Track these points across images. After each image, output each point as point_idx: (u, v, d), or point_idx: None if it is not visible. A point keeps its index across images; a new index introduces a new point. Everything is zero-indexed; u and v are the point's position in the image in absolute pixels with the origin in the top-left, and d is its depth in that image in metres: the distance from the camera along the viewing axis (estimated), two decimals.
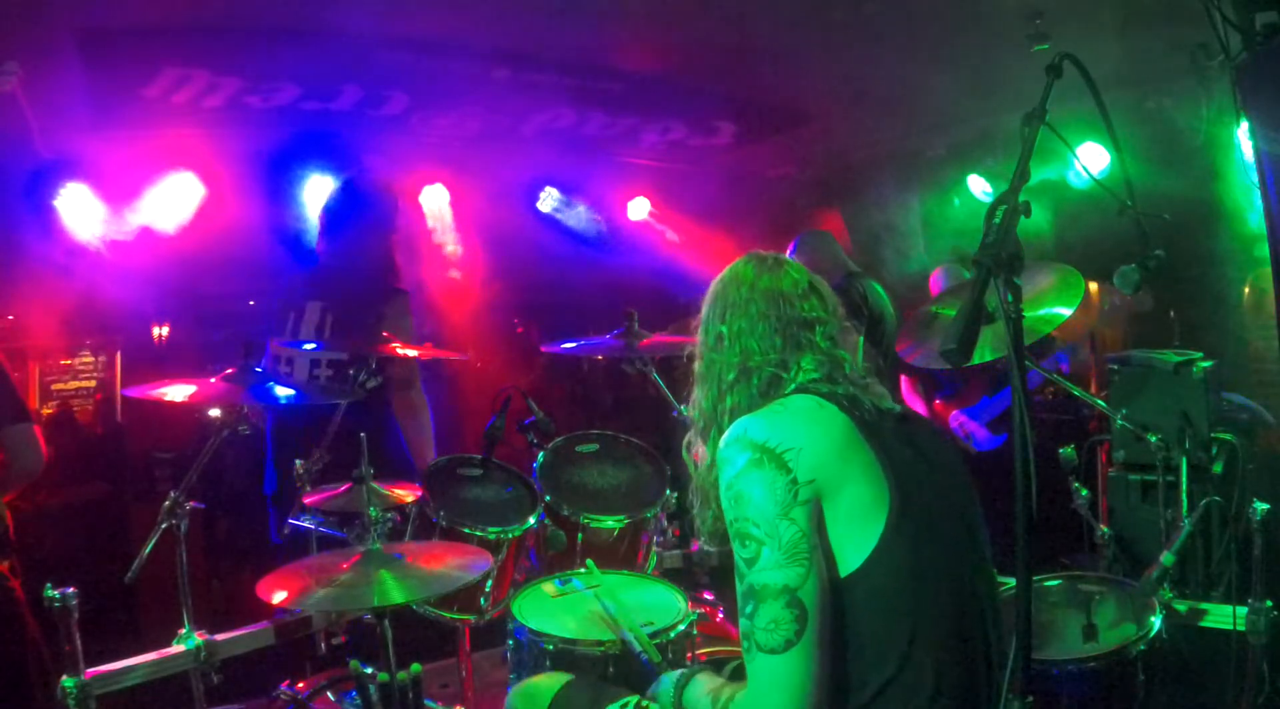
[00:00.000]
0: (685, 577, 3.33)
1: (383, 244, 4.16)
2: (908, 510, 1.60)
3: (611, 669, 2.41)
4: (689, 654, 2.57)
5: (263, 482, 4.01)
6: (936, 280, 5.51)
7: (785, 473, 1.58)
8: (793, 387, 1.77)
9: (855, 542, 1.60)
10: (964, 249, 5.83)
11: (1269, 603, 2.50)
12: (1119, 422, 3.14)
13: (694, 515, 1.91)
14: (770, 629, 1.54)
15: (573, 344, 3.63)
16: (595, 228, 6.74)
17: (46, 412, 5.89)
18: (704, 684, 1.86)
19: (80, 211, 4.89)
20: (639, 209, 6.94)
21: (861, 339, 4.78)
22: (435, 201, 6.25)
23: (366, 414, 3.47)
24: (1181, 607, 2.61)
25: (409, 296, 4.08)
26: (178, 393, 2.64)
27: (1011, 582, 1.92)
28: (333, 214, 4.12)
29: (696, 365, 1.92)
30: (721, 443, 1.70)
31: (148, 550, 2.52)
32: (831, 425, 1.65)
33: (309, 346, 3.84)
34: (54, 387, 6.15)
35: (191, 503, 2.57)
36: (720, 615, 3.11)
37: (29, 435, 3.04)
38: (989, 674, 1.68)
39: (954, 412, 5.07)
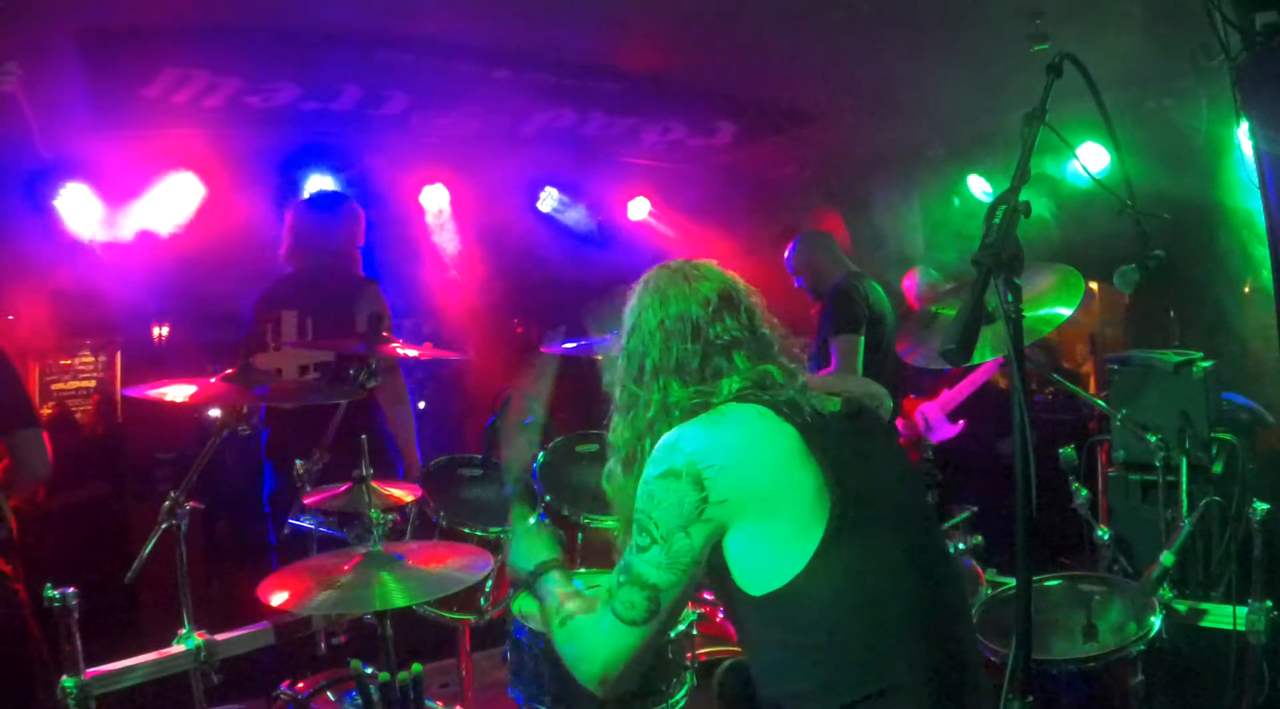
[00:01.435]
0: None
1: (350, 250, 4.23)
2: (851, 517, 1.62)
3: None
4: (689, 654, 2.57)
5: (261, 485, 4.03)
6: (910, 282, 5.58)
7: (698, 491, 1.63)
8: (725, 393, 1.77)
9: (793, 550, 1.61)
10: (966, 250, 5.85)
11: (1269, 603, 2.51)
12: (1119, 422, 3.14)
13: (619, 542, 1.93)
14: (627, 607, 1.69)
15: (573, 344, 3.63)
16: (589, 224, 6.72)
17: (46, 411, 5.88)
18: (556, 588, 1.94)
19: (80, 211, 4.88)
20: (639, 209, 6.93)
21: (862, 339, 4.77)
22: (435, 201, 6.24)
23: (358, 410, 3.49)
24: (1181, 607, 2.61)
25: (377, 284, 4.13)
26: (178, 393, 2.64)
27: (1011, 582, 1.92)
28: (301, 225, 4.18)
29: (616, 391, 1.90)
30: (658, 444, 1.72)
31: (148, 550, 2.52)
32: (768, 439, 1.66)
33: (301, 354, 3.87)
34: (54, 387, 6.15)
35: (191, 503, 2.57)
36: (720, 615, 3.11)
37: (37, 441, 3.02)
38: (963, 670, 1.67)
39: (919, 405, 5.23)
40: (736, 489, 1.63)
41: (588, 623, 1.79)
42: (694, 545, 1.65)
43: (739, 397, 1.76)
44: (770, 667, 1.73)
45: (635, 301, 1.91)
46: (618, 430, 1.89)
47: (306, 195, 4.63)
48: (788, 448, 1.65)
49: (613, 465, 1.91)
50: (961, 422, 5.17)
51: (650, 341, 1.83)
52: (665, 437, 1.73)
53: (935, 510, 1.87)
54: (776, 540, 1.63)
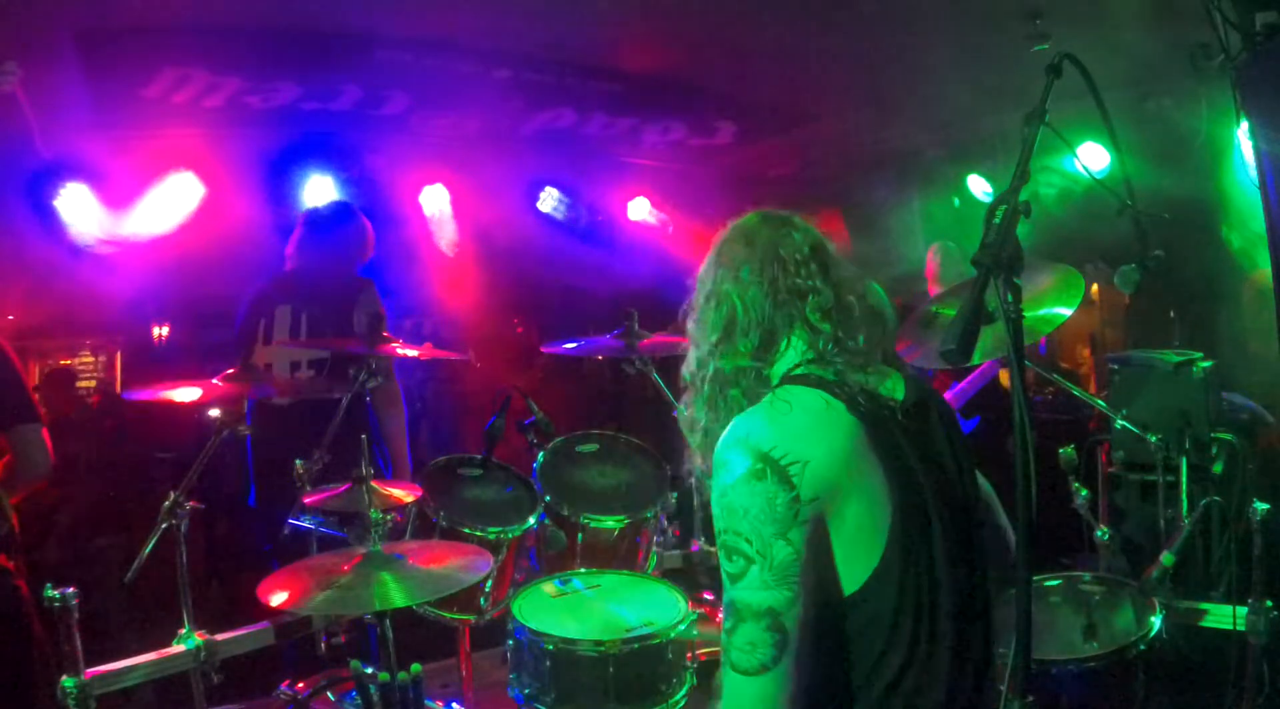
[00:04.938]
0: (685, 577, 3.33)
1: (353, 259, 4.26)
2: (909, 526, 1.53)
3: (611, 669, 2.42)
4: (689, 654, 2.57)
5: (247, 496, 4.01)
6: (930, 257, 5.52)
7: (788, 489, 1.46)
8: (785, 365, 1.69)
9: (859, 559, 1.52)
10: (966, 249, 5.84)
11: (1269, 603, 2.50)
12: (1119, 422, 3.14)
13: (697, 479, 1.84)
14: (747, 650, 1.46)
15: (573, 344, 3.63)
16: (575, 216, 6.70)
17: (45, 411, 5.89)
18: None
19: (80, 212, 4.88)
20: (639, 209, 6.93)
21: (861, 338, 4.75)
22: (435, 202, 6.25)
23: (351, 413, 3.48)
24: (1181, 607, 2.61)
25: (374, 284, 4.12)
26: (182, 395, 2.65)
27: None
28: (315, 227, 4.20)
29: (689, 324, 1.82)
30: (720, 443, 1.57)
31: (148, 550, 2.52)
32: (839, 431, 1.53)
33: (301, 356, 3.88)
34: None
35: (191, 503, 2.57)
36: (720, 616, 3.11)
37: (37, 436, 3.01)
38: (981, 679, 1.64)
39: None
40: (822, 486, 1.47)
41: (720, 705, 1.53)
42: (798, 551, 1.45)
43: (800, 378, 1.63)
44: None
45: (721, 237, 1.84)
46: (687, 359, 1.81)
47: (325, 204, 4.63)
48: (855, 446, 1.52)
49: (686, 398, 1.81)
50: (977, 417, 5.09)
51: (726, 269, 1.75)
52: (729, 430, 1.57)
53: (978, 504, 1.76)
54: (841, 553, 1.51)
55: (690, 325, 1.81)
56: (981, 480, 1.91)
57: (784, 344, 1.71)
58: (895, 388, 1.69)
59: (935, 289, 5.22)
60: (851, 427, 1.54)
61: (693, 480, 1.94)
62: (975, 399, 5.08)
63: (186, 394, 2.71)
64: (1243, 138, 3.61)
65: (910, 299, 5.28)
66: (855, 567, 1.52)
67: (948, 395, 5.14)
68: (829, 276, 1.75)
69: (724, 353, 1.71)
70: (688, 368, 1.80)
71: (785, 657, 1.45)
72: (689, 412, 1.79)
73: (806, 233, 1.80)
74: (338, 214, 4.36)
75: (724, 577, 1.52)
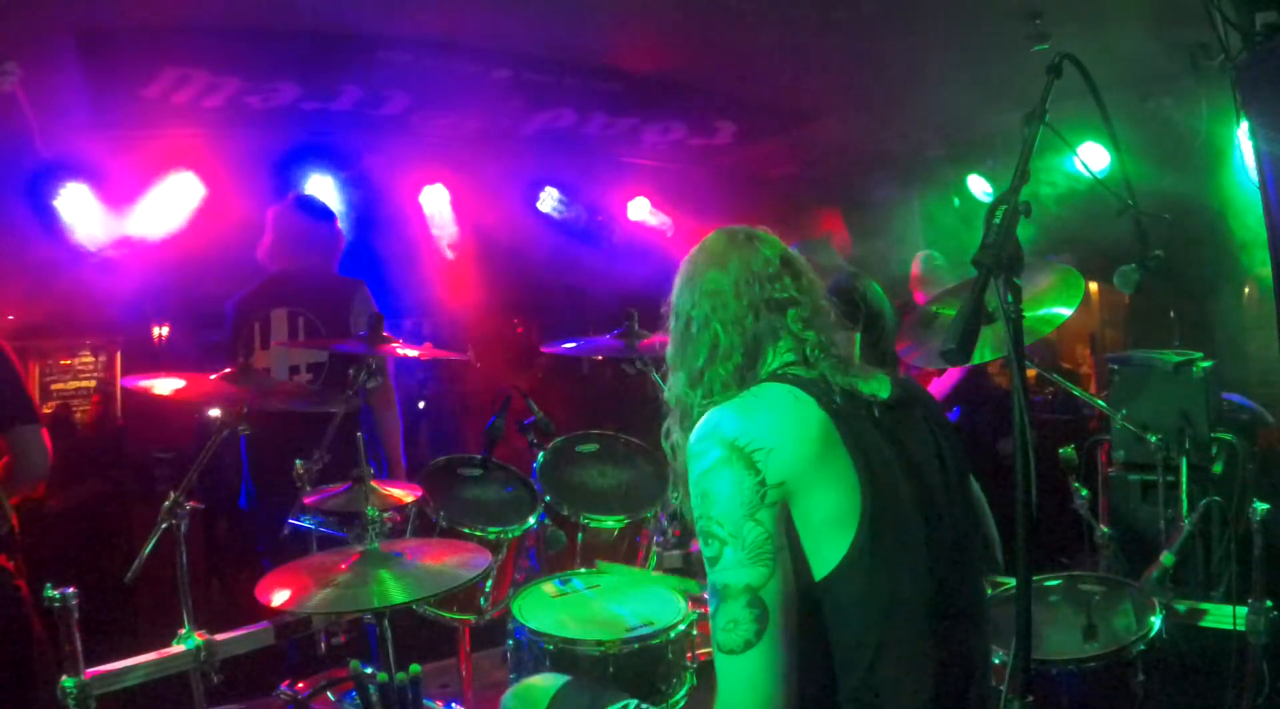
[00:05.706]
0: (685, 577, 3.33)
1: (331, 255, 4.22)
2: (881, 516, 1.56)
3: (611, 669, 2.42)
4: (689, 654, 2.57)
5: (239, 497, 3.99)
6: (914, 267, 5.54)
7: (754, 474, 1.54)
8: (767, 372, 1.73)
9: (827, 547, 1.56)
10: (966, 250, 5.85)
11: (1269, 603, 2.50)
12: (1119, 422, 3.14)
13: (678, 505, 1.87)
14: (730, 629, 1.51)
15: (573, 344, 3.63)
16: (575, 216, 6.68)
17: (46, 411, 5.88)
18: None
19: (80, 212, 4.88)
20: (639, 209, 6.93)
21: (859, 336, 4.80)
22: (435, 202, 6.25)
23: (347, 413, 3.48)
24: (1181, 607, 2.61)
25: (365, 283, 4.09)
26: (174, 385, 2.66)
27: (1011, 581, 1.91)
28: (286, 225, 4.15)
29: (669, 352, 1.86)
30: (692, 437, 1.64)
31: (148, 550, 2.52)
32: (806, 422, 1.58)
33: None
34: (54, 387, 6.15)
35: (191, 503, 2.57)
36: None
37: (36, 437, 3.01)
38: (969, 678, 1.65)
39: None
40: (786, 471, 1.54)
41: (717, 695, 1.55)
42: (769, 531, 1.52)
43: (776, 375, 1.70)
44: None
45: (689, 261, 1.87)
46: (670, 387, 1.85)
47: (291, 197, 4.61)
48: (823, 436, 1.57)
49: (670, 423, 1.87)
50: (956, 408, 5.12)
51: (702, 293, 1.79)
52: (700, 425, 1.63)
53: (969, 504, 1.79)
54: (810, 538, 1.57)
55: (671, 353, 1.86)
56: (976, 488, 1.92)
57: (769, 355, 1.76)
58: (880, 388, 1.73)
59: (921, 297, 5.25)
60: (819, 419, 1.59)
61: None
62: (954, 390, 5.10)
63: (172, 384, 2.70)
64: (1243, 138, 3.61)
65: (909, 300, 5.31)
66: (825, 552, 1.56)
67: (930, 390, 5.16)
68: (801, 285, 1.80)
69: (710, 374, 1.76)
70: (672, 393, 1.85)
71: (768, 632, 1.50)
72: (676, 436, 1.83)
73: (773, 245, 1.84)
74: (306, 208, 4.30)
75: (705, 564, 1.58)
